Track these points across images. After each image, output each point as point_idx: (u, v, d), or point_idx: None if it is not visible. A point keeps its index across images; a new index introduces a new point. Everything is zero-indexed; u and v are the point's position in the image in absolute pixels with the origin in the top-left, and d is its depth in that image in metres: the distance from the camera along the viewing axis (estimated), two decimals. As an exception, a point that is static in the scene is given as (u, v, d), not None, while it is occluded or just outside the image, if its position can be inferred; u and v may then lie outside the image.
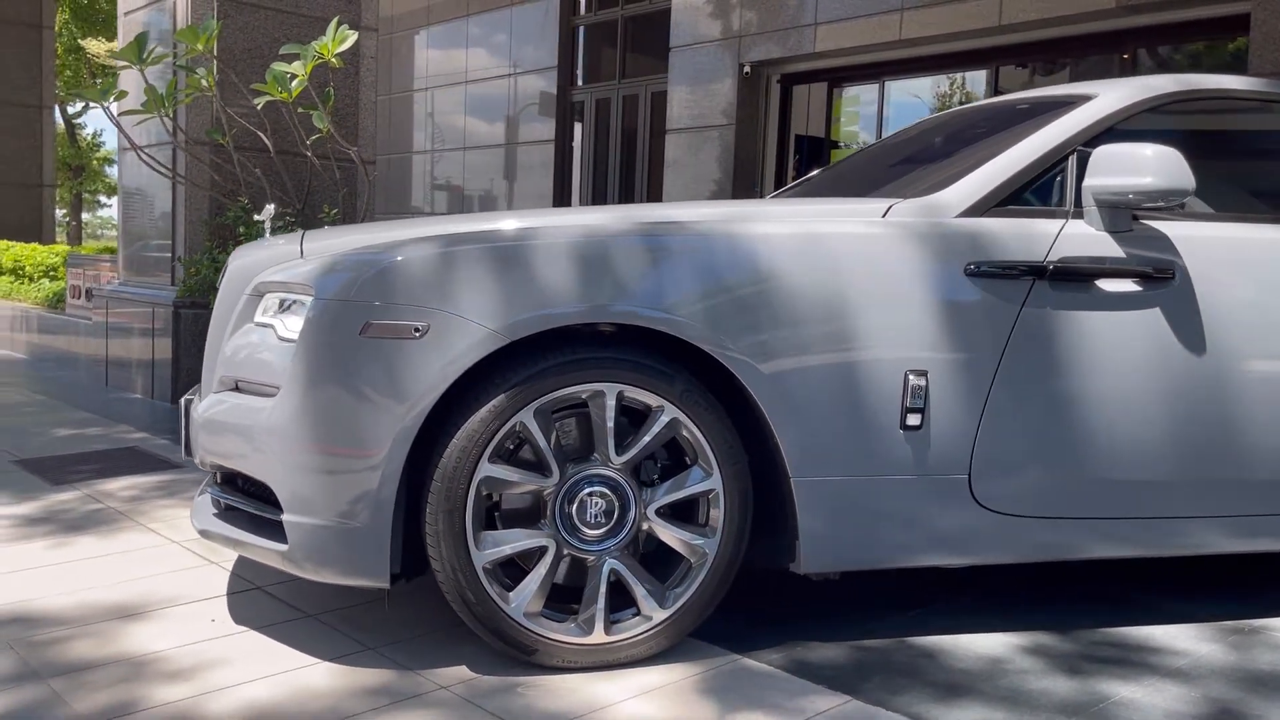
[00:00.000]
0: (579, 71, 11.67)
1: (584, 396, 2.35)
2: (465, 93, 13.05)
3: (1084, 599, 2.94)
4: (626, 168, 10.92)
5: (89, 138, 32.77)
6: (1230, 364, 2.62)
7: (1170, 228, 2.66)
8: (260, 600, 2.82)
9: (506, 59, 12.38)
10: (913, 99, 8.59)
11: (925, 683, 2.36)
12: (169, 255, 6.14)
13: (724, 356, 2.36)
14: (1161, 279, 2.60)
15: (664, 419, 2.38)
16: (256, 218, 3.11)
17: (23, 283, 9.26)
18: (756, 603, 2.82)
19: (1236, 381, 2.63)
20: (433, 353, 2.26)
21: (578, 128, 11.49)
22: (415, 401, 2.26)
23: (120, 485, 4.03)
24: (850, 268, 2.44)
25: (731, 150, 8.96)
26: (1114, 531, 2.63)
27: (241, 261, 2.78)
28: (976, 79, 8.13)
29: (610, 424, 2.37)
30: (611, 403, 2.35)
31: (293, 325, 2.42)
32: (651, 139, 10.62)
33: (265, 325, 2.53)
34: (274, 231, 4.57)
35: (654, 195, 10.46)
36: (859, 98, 8.91)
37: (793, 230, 2.46)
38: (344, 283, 2.32)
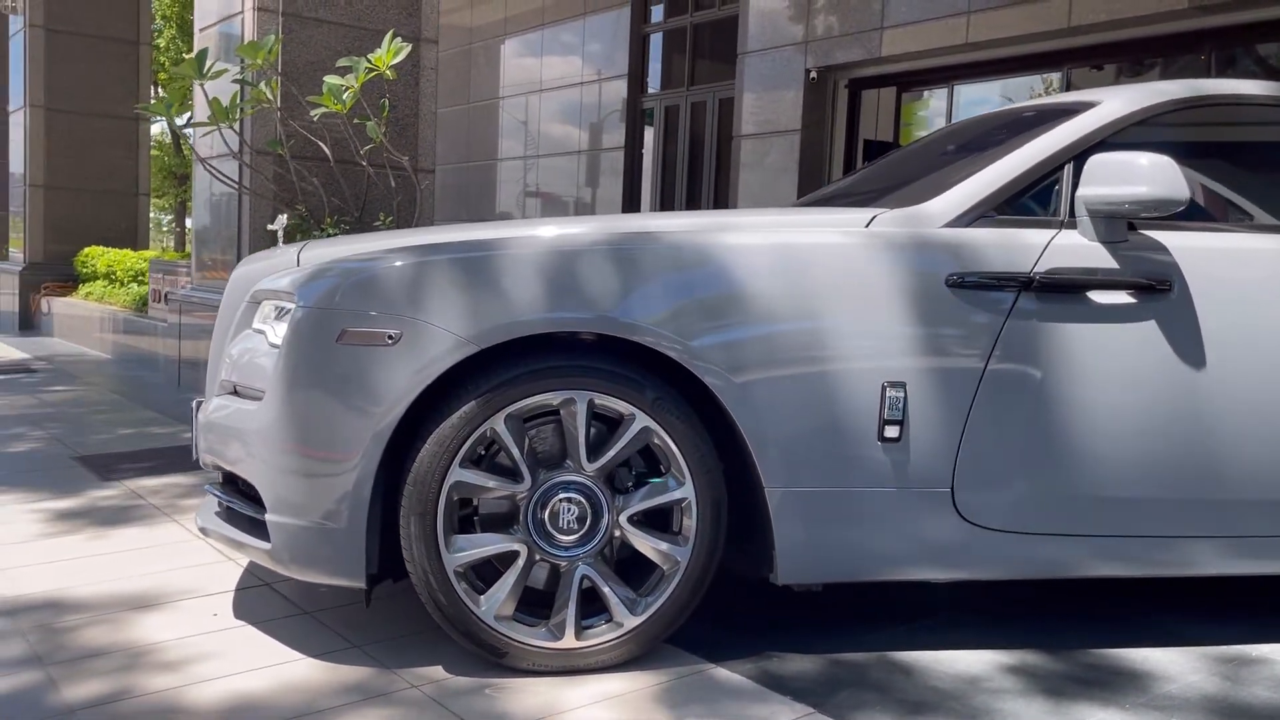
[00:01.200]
0: (649, 79, 11.74)
1: (555, 404, 2.39)
2: (540, 101, 13.23)
3: (1082, 617, 2.87)
4: (693, 173, 10.95)
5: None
6: (1231, 379, 2.53)
7: (1171, 238, 2.58)
8: (265, 596, 2.92)
9: (579, 67, 12.52)
10: (1005, 100, 8.42)
11: (893, 699, 2.33)
12: (235, 261, 6.36)
13: (694, 365, 2.37)
14: (1158, 290, 2.52)
15: (635, 427, 2.40)
16: (270, 227, 3.23)
17: (114, 287, 9.68)
18: (738, 611, 2.82)
19: (1237, 397, 2.53)
20: (405, 359, 2.32)
21: (647, 134, 11.56)
22: (389, 407, 2.33)
23: (163, 482, 4.20)
24: (827, 278, 2.43)
25: (798, 155, 8.91)
26: (1105, 549, 2.56)
27: (244, 269, 2.89)
28: (1052, 82, 7.94)
29: (581, 431, 2.40)
30: (582, 410, 2.38)
31: (281, 332, 2.51)
32: (719, 145, 10.63)
33: (260, 331, 2.63)
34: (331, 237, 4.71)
35: (720, 201, 10.46)
36: (928, 102, 8.78)
37: (770, 241, 2.45)
38: (324, 291, 2.40)
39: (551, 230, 2.48)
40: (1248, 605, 3.00)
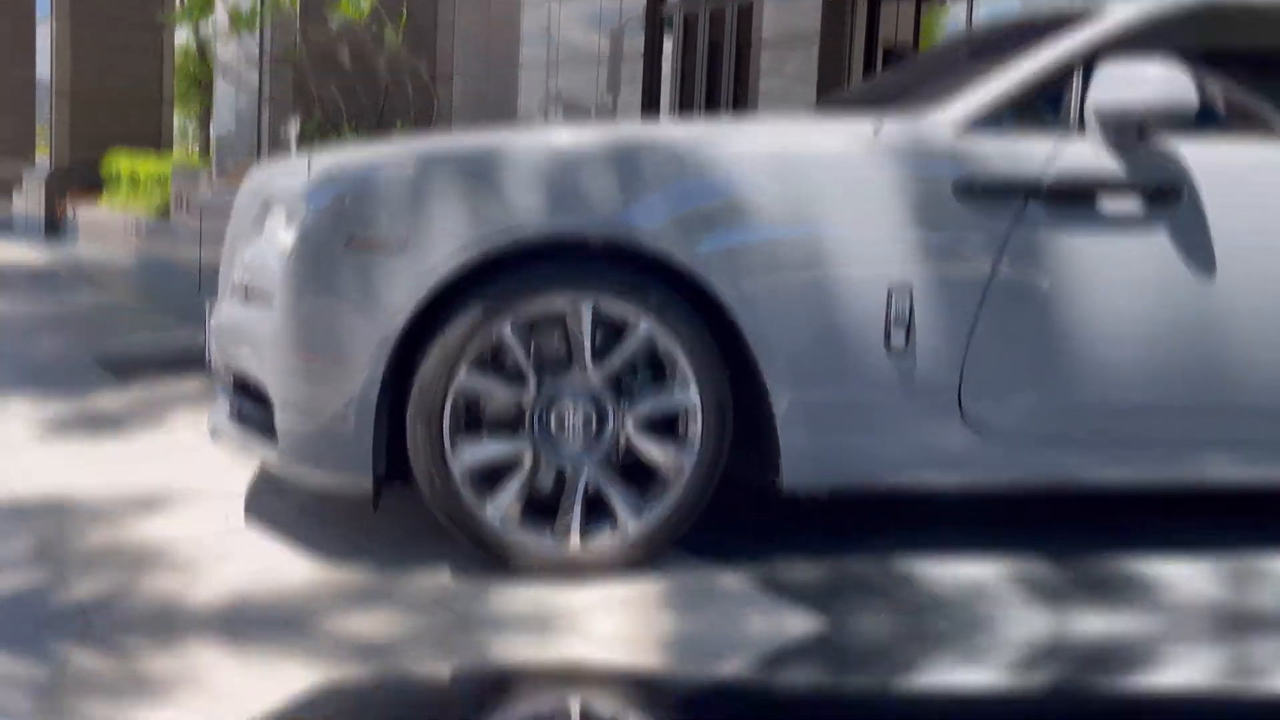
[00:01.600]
0: (669, -15, 11.50)
1: (561, 309, 2.39)
2: (560, 8, 13.03)
3: (1086, 526, 2.88)
4: (712, 81, 10.80)
5: (219, 54, 33.65)
6: (1241, 284, 2.51)
7: (1181, 146, 2.53)
8: (277, 500, 2.94)
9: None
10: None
11: (896, 605, 2.36)
12: (254, 167, 6.36)
13: (699, 272, 2.36)
14: (1167, 198, 2.49)
15: (640, 332, 2.40)
16: (284, 133, 3.23)
17: (138, 192, 9.70)
18: (741, 518, 2.84)
19: (1248, 303, 2.52)
20: (412, 265, 2.32)
21: (666, 42, 11.39)
22: (395, 312, 2.33)
23: (182, 386, 4.25)
24: (834, 185, 2.41)
25: (817, 65, 8.74)
26: (1111, 456, 2.57)
27: (257, 176, 2.89)
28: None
29: (587, 336, 2.40)
30: (587, 315, 2.38)
31: (291, 237, 2.51)
32: (738, 53, 10.45)
33: (270, 237, 2.63)
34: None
35: (739, 108, 10.32)
36: (948, 9, 8.57)
37: (776, 148, 2.43)
38: (333, 197, 2.40)
39: (558, 138, 2.47)
40: (1254, 513, 3.00)
